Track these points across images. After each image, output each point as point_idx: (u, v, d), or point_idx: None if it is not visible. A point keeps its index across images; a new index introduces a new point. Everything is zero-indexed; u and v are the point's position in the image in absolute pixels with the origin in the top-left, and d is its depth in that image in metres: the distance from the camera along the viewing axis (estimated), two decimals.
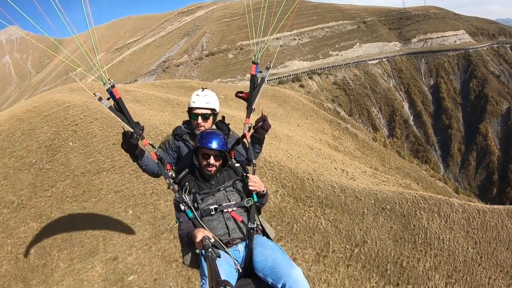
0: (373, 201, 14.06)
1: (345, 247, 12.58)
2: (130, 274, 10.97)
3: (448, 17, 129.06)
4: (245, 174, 4.38)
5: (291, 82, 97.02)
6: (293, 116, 33.70)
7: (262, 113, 4.77)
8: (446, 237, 13.39)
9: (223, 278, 2.59)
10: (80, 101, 17.68)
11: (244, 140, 4.78)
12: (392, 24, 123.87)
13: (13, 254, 11.34)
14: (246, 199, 4.24)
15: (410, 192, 15.36)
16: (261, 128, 4.68)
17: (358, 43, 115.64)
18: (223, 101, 28.48)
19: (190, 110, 4.65)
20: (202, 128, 4.57)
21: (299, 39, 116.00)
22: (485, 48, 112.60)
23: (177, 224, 4.21)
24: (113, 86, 4.19)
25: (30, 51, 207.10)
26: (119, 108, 4.30)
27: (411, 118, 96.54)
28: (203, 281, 3.56)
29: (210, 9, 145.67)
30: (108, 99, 4.21)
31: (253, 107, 4.80)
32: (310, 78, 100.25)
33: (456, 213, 14.23)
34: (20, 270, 10.99)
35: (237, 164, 4.54)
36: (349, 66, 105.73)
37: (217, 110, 4.71)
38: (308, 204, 13.76)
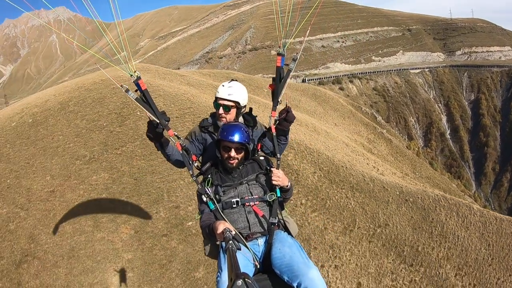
0: (398, 193, 15.73)
1: (369, 226, 14.31)
2: (189, 220, 13.16)
3: (495, 32, 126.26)
4: (269, 168, 4.39)
5: (331, 84, 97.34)
6: (331, 115, 34.76)
7: (286, 105, 4.75)
8: (461, 235, 14.94)
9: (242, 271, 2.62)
10: (144, 79, 20.17)
11: (271, 133, 4.77)
12: (437, 34, 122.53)
13: (85, 198, 13.31)
14: (269, 194, 4.27)
15: (433, 191, 17.26)
16: (285, 119, 4.70)
17: (401, 51, 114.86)
18: (262, 92, 30.09)
19: (215, 100, 4.68)
20: (224, 120, 4.60)
21: (343, 42, 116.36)
22: None
23: (199, 216, 4.27)
24: (139, 78, 4.30)
25: (77, 32, 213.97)
26: (145, 99, 4.39)
27: (448, 131, 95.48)
28: (219, 273, 3.60)
29: (255, 4, 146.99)
30: (135, 91, 4.32)
31: (279, 100, 4.74)
32: (351, 81, 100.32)
33: (474, 215, 15.78)
34: (90, 210, 13.11)
35: (262, 157, 4.55)
36: (390, 73, 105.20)
37: (242, 103, 4.68)
38: (341, 186, 15.53)
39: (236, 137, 4.07)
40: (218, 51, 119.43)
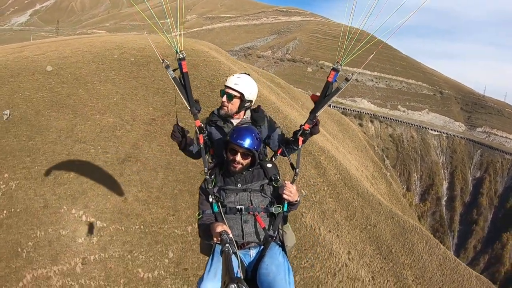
0: (388, 210, 20.24)
1: (363, 222, 18.85)
2: None
3: None
4: (273, 178, 4.31)
5: (353, 117, 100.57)
6: (348, 144, 38.08)
7: (316, 117, 4.69)
8: (424, 257, 19.51)
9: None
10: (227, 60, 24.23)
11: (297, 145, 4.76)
12: (465, 106, 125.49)
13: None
14: (275, 206, 4.19)
15: (414, 222, 21.85)
16: (310, 132, 4.71)
17: (427, 109, 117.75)
18: (297, 103, 33.03)
19: (224, 88, 4.68)
20: (225, 109, 4.61)
21: (376, 82, 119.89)
22: None
23: (200, 216, 4.22)
24: (183, 59, 4.32)
25: None
26: (183, 82, 4.42)
27: (445, 198, 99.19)
28: (204, 275, 3.64)
29: (307, 19, 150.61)
30: (174, 70, 4.36)
31: (317, 115, 4.69)
32: (371, 121, 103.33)
33: (439, 249, 20.53)
34: None
35: (269, 165, 4.45)
36: (410, 126, 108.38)
37: (247, 97, 4.64)
38: (351, 190, 20.04)
39: (246, 143, 4.03)
40: (258, 50, 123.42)
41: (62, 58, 18.88)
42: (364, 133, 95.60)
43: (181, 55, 4.28)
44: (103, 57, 19.74)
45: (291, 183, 4.20)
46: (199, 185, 4.41)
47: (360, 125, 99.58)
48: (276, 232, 4.21)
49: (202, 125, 4.64)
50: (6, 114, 14.42)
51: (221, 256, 3.07)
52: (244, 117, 4.80)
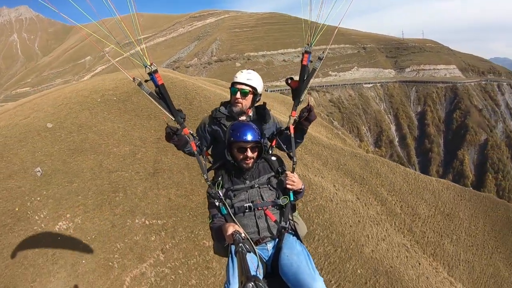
0: (350, 152, 24.57)
1: (335, 164, 23.44)
2: None
3: (442, 52, 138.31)
4: (280, 170, 4.39)
5: (285, 97, 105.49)
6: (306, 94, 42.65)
7: (308, 103, 4.67)
8: (388, 177, 24.03)
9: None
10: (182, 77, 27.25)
11: (289, 133, 4.76)
12: (389, 53, 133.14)
13: None
14: (282, 198, 4.27)
15: (374, 156, 26.20)
16: (306, 119, 4.67)
17: (356, 67, 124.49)
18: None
19: (232, 85, 4.73)
20: (239, 105, 4.66)
21: (311, 35, 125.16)
22: (472, 84, 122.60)
23: (210, 220, 4.26)
24: (155, 71, 4.32)
25: (39, 33, 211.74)
26: (161, 95, 4.46)
27: (397, 139, 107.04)
28: (226, 285, 3.63)
29: (221, 17, 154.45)
30: (146, 81, 4.39)
31: (300, 99, 4.81)
32: (309, 93, 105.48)
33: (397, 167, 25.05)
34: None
35: (274, 158, 4.51)
36: (345, 86, 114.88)
37: (258, 91, 4.72)
38: (316, 145, 24.18)
39: (250, 136, 4.08)
40: (184, 61, 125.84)
41: (52, 115, 21.10)
42: None
43: (152, 68, 4.31)
44: (89, 104, 22.26)
45: (291, 172, 4.37)
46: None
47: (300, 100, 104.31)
48: (288, 222, 4.25)
49: (191, 132, 4.69)
50: (39, 171, 17.05)
51: (236, 257, 3.21)
52: (250, 113, 4.82)
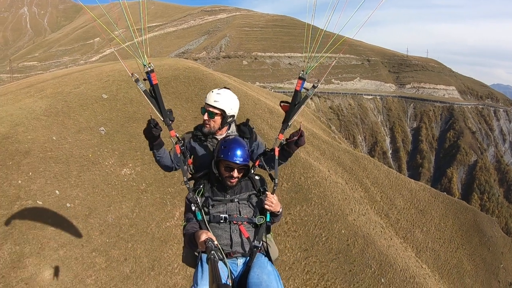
0: (343, 148, 29.88)
1: (331, 155, 28.51)
2: None
3: (444, 73, 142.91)
4: (262, 190, 4.58)
5: (289, 98, 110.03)
6: (298, 118, 47.86)
7: (300, 128, 4.81)
8: (373, 172, 29.45)
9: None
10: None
11: (273, 154, 4.89)
12: (392, 68, 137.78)
13: None
14: (258, 217, 4.44)
15: (365, 155, 31.68)
16: (295, 143, 4.85)
17: (358, 78, 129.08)
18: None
19: (204, 105, 4.87)
20: (208, 127, 4.85)
21: (308, 62, 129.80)
22: (469, 106, 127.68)
23: (184, 224, 4.42)
24: (152, 71, 4.51)
25: (49, 8, 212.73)
26: (154, 94, 4.62)
27: (390, 151, 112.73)
28: (199, 285, 3.74)
29: (232, 14, 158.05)
30: (144, 79, 4.60)
31: (289, 124, 5.00)
32: (311, 98, 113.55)
33: (382, 166, 30.36)
34: None
35: (257, 177, 4.73)
36: (346, 95, 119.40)
37: (228, 112, 4.81)
38: (317, 139, 29.52)
39: (240, 159, 4.27)
40: (193, 53, 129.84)
41: (102, 88, 24.71)
42: (308, 109, 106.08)
43: (149, 68, 4.51)
44: (134, 83, 27.41)
45: (271, 193, 4.50)
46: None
47: None
48: (261, 242, 4.38)
49: (178, 135, 4.85)
50: (103, 130, 22.05)
51: (208, 264, 3.19)
52: (229, 131, 5.02)
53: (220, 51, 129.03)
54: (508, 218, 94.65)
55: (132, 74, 4.53)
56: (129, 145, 21.00)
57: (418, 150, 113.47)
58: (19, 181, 15.75)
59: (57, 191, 16.43)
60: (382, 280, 21.04)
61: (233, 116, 4.98)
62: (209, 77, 29.96)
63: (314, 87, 4.96)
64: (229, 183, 4.43)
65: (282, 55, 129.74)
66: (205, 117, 4.84)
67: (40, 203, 15.55)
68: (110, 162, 19.50)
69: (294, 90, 4.97)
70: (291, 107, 4.98)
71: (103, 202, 17.42)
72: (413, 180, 33.07)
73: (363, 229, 22.65)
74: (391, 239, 24.75)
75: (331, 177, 25.59)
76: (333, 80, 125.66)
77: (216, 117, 4.83)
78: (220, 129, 4.95)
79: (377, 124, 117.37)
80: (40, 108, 20.89)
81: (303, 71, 4.95)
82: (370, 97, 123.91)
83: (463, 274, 31.71)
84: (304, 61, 5.00)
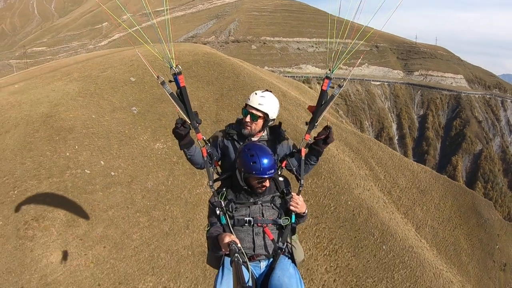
0: (351, 130, 32.65)
1: (339, 135, 31.40)
2: None
3: (452, 61, 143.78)
4: (286, 191, 4.57)
5: (302, 83, 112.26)
6: (308, 103, 48.57)
7: (327, 125, 4.89)
8: (378, 153, 32.30)
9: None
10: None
11: (300, 155, 4.95)
12: (400, 54, 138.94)
13: None
14: (283, 218, 4.45)
15: (372, 137, 34.40)
16: (324, 141, 4.87)
17: (366, 64, 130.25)
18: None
19: (245, 106, 4.87)
20: (249, 128, 4.83)
21: (316, 47, 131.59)
22: (476, 96, 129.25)
23: (208, 228, 4.51)
24: (180, 73, 4.49)
25: None
26: (181, 97, 4.64)
27: (396, 137, 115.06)
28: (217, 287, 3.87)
29: None
30: (170, 81, 4.63)
31: (316, 124, 4.98)
32: (318, 83, 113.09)
33: (386, 148, 33.12)
34: None
35: (281, 179, 4.75)
36: (354, 81, 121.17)
37: (271, 116, 4.82)
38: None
39: (272, 170, 4.26)
40: (202, 37, 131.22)
41: (128, 72, 26.51)
42: (315, 94, 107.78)
43: (177, 70, 4.49)
44: (158, 68, 30.17)
45: (297, 194, 4.56)
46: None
47: (310, 87, 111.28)
48: (285, 244, 4.48)
49: (205, 138, 4.83)
50: (135, 110, 24.64)
51: (231, 266, 3.30)
52: (263, 134, 5.03)
53: (229, 36, 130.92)
54: (511, 207, 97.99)
55: (158, 76, 4.53)
56: (159, 123, 23.63)
57: (424, 137, 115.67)
58: (67, 154, 18.34)
59: (102, 162, 19.07)
60: (384, 247, 23.90)
61: (273, 119, 4.97)
62: (227, 62, 32.49)
63: (340, 86, 5.03)
64: (260, 191, 4.45)
65: (290, 40, 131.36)
66: (247, 119, 4.81)
67: (88, 172, 18.10)
68: (144, 138, 22.08)
69: (320, 90, 4.98)
70: (317, 106, 5.01)
71: (142, 171, 20.02)
72: (415, 163, 35.82)
73: (367, 202, 25.44)
74: (393, 213, 27.51)
75: (339, 155, 28.30)
76: (341, 66, 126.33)
77: (258, 120, 4.82)
78: (259, 131, 4.97)
79: (384, 110, 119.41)
80: (74, 90, 23.07)
81: (329, 70, 5.01)
82: (378, 83, 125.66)
83: (460, 252, 34.52)
84: (328, 59, 5.01)
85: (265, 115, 4.82)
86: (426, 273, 25.29)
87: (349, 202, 24.48)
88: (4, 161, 16.67)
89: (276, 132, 5.10)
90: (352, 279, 21.86)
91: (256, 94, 4.81)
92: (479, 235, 37.85)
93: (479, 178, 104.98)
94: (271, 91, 4.93)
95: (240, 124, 4.98)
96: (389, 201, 29.53)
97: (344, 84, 5.28)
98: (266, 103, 4.77)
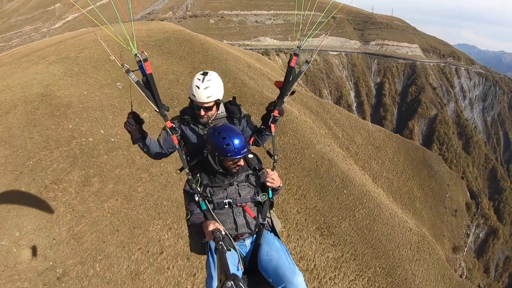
0: (333, 105, 36.81)
1: (320, 111, 35.75)
2: None
3: (408, 31, 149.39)
4: (258, 168, 4.75)
5: (260, 56, 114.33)
6: (268, 74, 48.37)
7: (276, 98, 5.03)
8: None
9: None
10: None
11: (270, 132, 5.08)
12: (357, 25, 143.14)
13: None
14: (261, 195, 4.58)
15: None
16: (273, 119, 5.02)
17: (324, 34, 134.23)
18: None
19: (192, 101, 4.78)
20: (205, 117, 4.84)
21: (274, 20, 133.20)
22: (431, 64, 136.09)
23: (188, 216, 4.49)
24: (145, 60, 4.40)
25: None
26: (148, 85, 4.61)
27: (355, 104, 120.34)
28: (208, 280, 3.97)
29: None
30: (134, 71, 4.50)
31: (283, 99, 5.03)
32: (277, 55, 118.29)
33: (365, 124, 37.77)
34: None
35: (251, 156, 4.84)
36: (311, 52, 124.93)
37: (221, 98, 4.80)
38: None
39: (245, 149, 4.35)
40: (159, 14, 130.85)
41: (104, 52, 29.97)
42: (274, 65, 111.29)
43: (142, 57, 4.41)
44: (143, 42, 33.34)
45: (271, 170, 4.70)
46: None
47: (270, 59, 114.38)
48: (266, 219, 4.65)
49: (174, 125, 4.85)
50: (120, 85, 27.11)
51: (216, 254, 3.39)
52: (218, 112, 5.01)
53: (187, 11, 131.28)
54: (465, 167, 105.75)
55: (122, 64, 4.46)
56: (142, 95, 27.12)
57: (381, 103, 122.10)
58: (70, 126, 21.02)
59: (101, 131, 22.06)
60: (345, 191, 28.58)
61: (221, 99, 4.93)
62: (195, 38, 35.97)
63: (307, 62, 5.13)
64: (235, 171, 4.53)
65: (248, 13, 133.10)
66: (202, 113, 4.80)
67: (91, 139, 20.99)
68: (133, 108, 25.63)
69: (287, 66, 5.01)
70: (285, 83, 5.03)
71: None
72: (370, 123, 40.61)
73: (328, 155, 29.94)
74: (351, 165, 32.20)
75: (301, 117, 32.52)
76: (298, 36, 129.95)
77: (213, 108, 4.84)
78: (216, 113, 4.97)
79: (342, 79, 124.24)
80: (59, 71, 24.91)
81: (298, 47, 5.02)
82: (335, 53, 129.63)
83: (414, 199, 39.74)
84: (297, 37, 5.06)
85: (216, 101, 4.80)
86: (382, 213, 30.16)
87: (312, 155, 28.88)
88: (14, 137, 18.54)
89: (232, 108, 5.07)
90: (320, 218, 26.40)
91: (198, 88, 4.64)
92: (431, 185, 43.25)
93: (435, 141, 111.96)
94: (207, 72, 4.78)
95: (192, 109, 4.93)
96: (347, 155, 34.13)
97: (312, 59, 5.27)
98: (213, 91, 4.68)
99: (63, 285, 16.06)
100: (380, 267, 28.65)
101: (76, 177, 18.85)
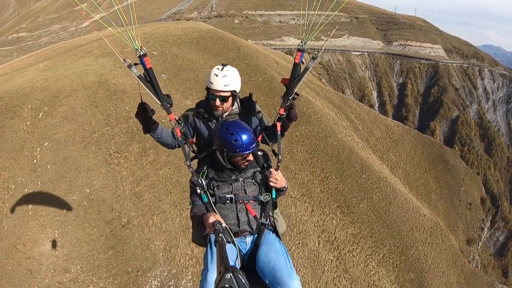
0: (347, 98, 40.58)
1: (341, 104, 39.38)
2: None
3: (431, 31, 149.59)
4: (266, 165, 4.74)
5: (284, 55, 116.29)
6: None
7: (293, 102, 4.92)
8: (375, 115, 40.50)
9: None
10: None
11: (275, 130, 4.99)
12: (380, 25, 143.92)
13: None
14: (264, 194, 4.57)
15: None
16: (287, 118, 4.94)
17: (347, 35, 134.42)
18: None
19: (208, 89, 4.89)
20: (220, 110, 4.89)
21: (298, 20, 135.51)
22: (454, 65, 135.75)
23: (191, 206, 4.58)
24: (145, 55, 4.61)
25: None
26: (149, 79, 4.77)
27: (377, 104, 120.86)
28: (204, 271, 3.96)
29: None
30: (135, 64, 4.68)
31: (290, 97, 4.91)
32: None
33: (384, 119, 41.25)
34: None
35: (260, 153, 4.85)
36: (335, 52, 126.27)
37: (238, 90, 4.89)
38: (310, 90, 39.83)
39: (254, 145, 4.37)
40: (185, 14, 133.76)
41: (149, 47, 33.62)
42: None
43: (142, 52, 4.59)
44: (172, 43, 35.01)
45: (276, 170, 4.65)
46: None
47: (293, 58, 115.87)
48: (268, 219, 4.57)
49: (177, 118, 5.00)
50: (164, 76, 31.08)
51: (215, 246, 3.33)
52: (233, 108, 5.07)
53: (212, 11, 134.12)
54: (486, 169, 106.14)
55: (124, 60, 4.58)
56: (185, 86, 30.42)
57: (403, 104, 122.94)
58: (126, 108, 24.13)
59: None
60: (363, 176, 32.19)
61: (239, 92, 5.01)
62: (228, 37, 39.57)
63: (313, 58, 5.05)
64: (244, 166, 4.59)
65: (272, 13, 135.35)
66: (217, 103, 4.83)
67: None
68: (177, 97, 27.98)
69: (293, 63, 4.96)
70: (291, 80, 4.97)
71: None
72: (389, 118, 43.99)
73: (348, 144, 33.53)
74: (370, 155, 35.72)
75: (324, 110, 36.07)
76: (322, 37, 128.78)
77: (229, 99, 4.87)
78: (232, 106, 5.02)
79: (364, 79, 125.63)
80: (108, 64, 27.04)
81: (302, 42, 4.95)
82: (358, 53, 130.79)
83: (429, 191, 42.84)
84: (301, 31, 4.99)
85: (233, 92, 4.85)
86: (398, 197, 33.65)
87: (335, 143, 32.56)
88: (78, 115, 21.61)
89: (247, 104, 5.14)
90: (340, 198, 30.10)
91: (217, 76, 4.76)
92: (446, 179, 46.16)
93: (456, 142, 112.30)
94: (226, 64, 4.92)
95: (208, 102, 5.01)
96: (366, 146, 37.63)
97: (318, 56, 5.22)
98: (230, 81, 4.77)
99: (127, 231, 20.02)
100: (394, 246, 32.04)
101: (135, 148, 22.22)
